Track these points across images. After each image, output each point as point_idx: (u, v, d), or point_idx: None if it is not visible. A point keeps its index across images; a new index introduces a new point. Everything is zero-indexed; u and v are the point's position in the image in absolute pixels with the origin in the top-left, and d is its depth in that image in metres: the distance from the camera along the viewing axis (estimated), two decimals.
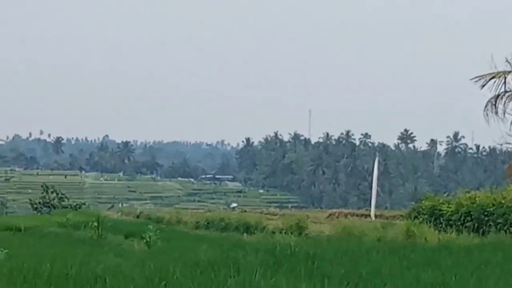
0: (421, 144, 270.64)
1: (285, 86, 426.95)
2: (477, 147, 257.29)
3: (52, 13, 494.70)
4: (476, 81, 30.66)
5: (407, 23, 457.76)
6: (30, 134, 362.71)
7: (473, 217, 39.01)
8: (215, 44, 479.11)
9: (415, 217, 43.30)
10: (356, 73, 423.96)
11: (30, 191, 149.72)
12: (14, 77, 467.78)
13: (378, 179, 73.13)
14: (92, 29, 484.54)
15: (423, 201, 45.97)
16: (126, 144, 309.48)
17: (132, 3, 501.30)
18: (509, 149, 34.54)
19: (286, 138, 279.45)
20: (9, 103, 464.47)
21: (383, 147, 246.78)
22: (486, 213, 38.30)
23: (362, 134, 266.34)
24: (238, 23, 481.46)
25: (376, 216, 60.60)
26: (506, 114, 30.30)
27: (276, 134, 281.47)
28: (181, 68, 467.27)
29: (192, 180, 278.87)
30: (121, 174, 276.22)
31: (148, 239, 34.57)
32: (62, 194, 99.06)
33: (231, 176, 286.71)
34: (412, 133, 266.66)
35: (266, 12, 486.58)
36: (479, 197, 41.21)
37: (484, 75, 30.85)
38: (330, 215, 63.69)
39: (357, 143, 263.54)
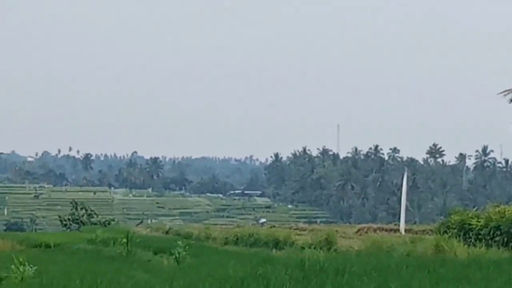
0: (449, 159, 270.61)
1: (313, 102, 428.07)
2: (506, 161, 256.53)
3: (83, 33, 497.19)
4: (505, 95, 30.64)
5: (437, 37, 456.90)
6: (59, 150, 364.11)
7: (502, 231, 38.93)
8: (244, 63, 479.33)
9: (444, 231, 43.19)
10: (384, 87, 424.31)
11: (59, 207, 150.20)
12: (42, 95, 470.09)
13: (407, 193, 73.00)
14: (123, 50, 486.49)
15: (452, 216, 45.88)
16: (155, 160, 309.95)
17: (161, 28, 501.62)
18: None
19: (314, 153, 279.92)
20: (38, 120, 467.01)
21: (411, 161, 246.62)
22: None
23: (390, 149, 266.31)
24: (266, 41, 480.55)
25: (405, 230, 60.51)
26: None
27: (304, 149, 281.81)
28: (209, 86, 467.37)
29: (221, 195, 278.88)
30: (150, 190, 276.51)
31: (177, 255, 34.62)
32: (91, 210, 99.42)
33: (259, 192, 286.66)
34: (441, 147, 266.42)
35: (294, 29, 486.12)
36: (508, 211, 41.14)
37: (511, 89, 30.86)
38: (359, 230, 63.56)
39: (386, 157, 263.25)
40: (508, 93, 30.60)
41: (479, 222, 41.46)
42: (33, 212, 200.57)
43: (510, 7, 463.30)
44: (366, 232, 59.86)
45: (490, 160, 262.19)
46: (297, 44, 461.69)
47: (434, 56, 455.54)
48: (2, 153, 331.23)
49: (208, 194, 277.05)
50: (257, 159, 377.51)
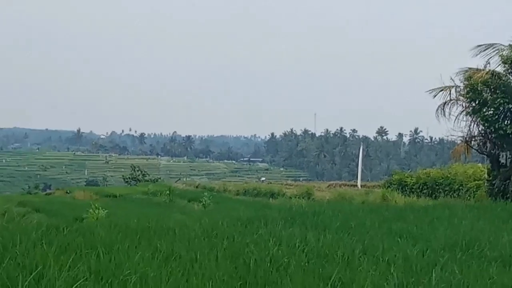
0: (392, 136, 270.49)
1: (298, 96, 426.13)
2: (431, 138, 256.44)
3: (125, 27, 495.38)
4: (430, 93, 30.51)
5: (388, 45, 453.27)
6: (123, 130, 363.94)
7: (428, 186, 38.99)
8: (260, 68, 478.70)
9: (388, 186, 43.30)
10: (348, 85, 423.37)
11: (122, 170, 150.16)
12: (113, 84, 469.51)
13: (362, 160, 72.84)
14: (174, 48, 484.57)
15: (393, 175, 45.97)
16: (188, 137, 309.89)
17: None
18: (452, 140, 34.27)
19: (298, 132, 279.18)
20: (108, 107, 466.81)
21: (365, 138, 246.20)
22: (437, 183, 38.30)
23: (351, 130, 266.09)
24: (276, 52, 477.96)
25: (361, 186, 60.44)
26: (450, 116, 30.13)
27: (291, 130, 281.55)
28: (227, 82, 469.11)
29: (234, 162, 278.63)
30: (185, 158, 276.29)
31: (204, 202, 34.63)
32: (144, 172, 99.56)
33: (261, 159, 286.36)
34: (386, 128, 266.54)
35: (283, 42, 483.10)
36: (432, 172, 41.20)
37: (435, 88, 30.70)
38: (329, 185, 63.51)
39: (348, 135, 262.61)
40: (433, 91, 30.45)
41: (412, 180, 41.58)
42: (105, 173, 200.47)
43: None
44: (334, 187, 59.84)
45: (420, 137, 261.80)
46: (283, 54, 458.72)
47: (383, 64, 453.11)
48: (83, 132, 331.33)
49: (225, 161, 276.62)
50: (259, 137, 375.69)
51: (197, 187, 66.67)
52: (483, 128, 29.28)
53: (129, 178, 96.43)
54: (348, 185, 63.73)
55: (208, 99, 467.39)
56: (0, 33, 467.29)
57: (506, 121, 28.22)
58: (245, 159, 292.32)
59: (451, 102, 30.32)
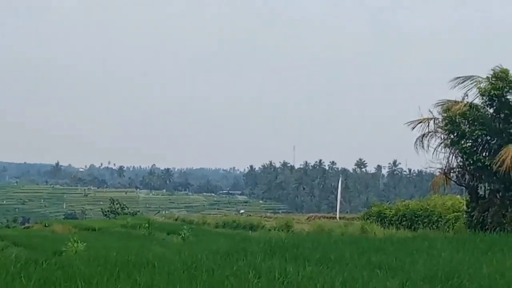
0: (370, 169, 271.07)
1: (277, 129, 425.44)
2: (409, 170, 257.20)
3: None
4: (409, 125, 30.74)
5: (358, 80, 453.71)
6: (102, 163, 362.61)
7: (407, 218, 39.10)
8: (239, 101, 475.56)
9: (367, 218, 43.42)
10: (325, 119, 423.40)
11: (101, 203, 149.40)
12: (92, 117, 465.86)
13: (341, 193, 73.01)
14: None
15: (372, 207, 46.20)
16: (167, 170, 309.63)
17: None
18: (431, 171, 34.50)
19: (277, 165, 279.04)
20: (86, 141, 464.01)
21: (344, 170, 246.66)
22: (416, 215, 38.47)
23: (330, 162, 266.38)
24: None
25: (340, 218, 60.46)
26: (428, 148, 30.38)
27: (270, 162, 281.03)
28: (206, 114, 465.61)
29: (213, 194, 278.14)
30: (164, 190, 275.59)
31: (183, 235, 34.50)
32: (123, 205, 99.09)
33: (240, 192, 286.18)
34: (364, 160, 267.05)
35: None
36: (411, 204, 41.39)
37: (414, 120, 30.96)
38: (308, 217, 63.43)
39: (327, 168, 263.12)
40: (411, 123, 30.70)
41: (391, 212, 41.74)
42: (83, 206, 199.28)
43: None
44: (313, 219, 59.77)
45: (399, 169, 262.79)
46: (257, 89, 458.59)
47: (362, 96, 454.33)
48: (62, 165, 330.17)
49: (204, 194, 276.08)
50: (238, 169, 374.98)
51: (176, 219, 66.36)
52: (461, 160, 29.50)
53: (108, 211, 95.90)
54: (327, 217, 63.69)
55: (187, 131, 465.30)
56: None
57: (484, 153, 28.51)
58: (224, 191, 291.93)
59: (430, 134, 30.57)
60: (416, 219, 38.34)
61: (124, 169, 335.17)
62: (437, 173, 32.17)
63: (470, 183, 30.00)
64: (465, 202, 32.01)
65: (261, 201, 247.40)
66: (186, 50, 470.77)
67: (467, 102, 28.94)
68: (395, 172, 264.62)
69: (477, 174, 29.10)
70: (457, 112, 28.48)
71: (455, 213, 34.76)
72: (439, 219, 35.97)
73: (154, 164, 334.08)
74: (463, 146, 28.66)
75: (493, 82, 28.27)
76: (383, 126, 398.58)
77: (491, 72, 28.74)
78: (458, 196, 38.86)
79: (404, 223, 39.10)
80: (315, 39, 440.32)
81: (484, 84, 28.50)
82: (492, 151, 28.25)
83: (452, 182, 31.54)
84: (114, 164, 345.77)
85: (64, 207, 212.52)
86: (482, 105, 28.96)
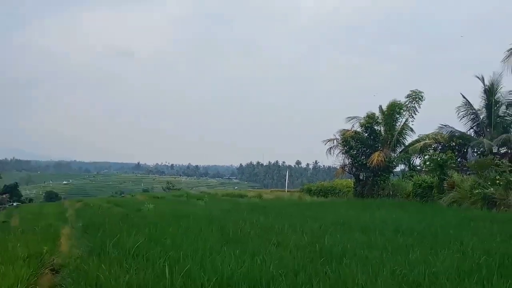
0: (304, 165, 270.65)
1: (255, 140, 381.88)
2: (324, 166, 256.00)
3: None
4: (323, 142, 30.85)
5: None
6: (162, 162, 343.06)
7: (323, 191, 38.96)
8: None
9: (302, 191, 43.21)
10: (275, 128, 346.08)
11: (162, 184, 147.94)
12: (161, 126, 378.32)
13: (288, 178, 72.81)
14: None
15: (304, 186, 45.91)
16: (196, 166, 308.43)
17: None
18: (335, 166, 34.62)
19: (255, 163, 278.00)
20: (156, 147, 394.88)
21: (289, 166, 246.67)
22: (327, 189, 38.30)
23: (282, 161, 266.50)
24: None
25: (288, 191, 60.24)
26: (333, 154, 30.47)
27: (251, 162, 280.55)
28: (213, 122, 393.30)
29: (221, 179, 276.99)
30: (194, 177, 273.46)
31: (205, 200, 34.25)
32: (173, 184, 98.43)
33: (235, 177, 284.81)
34: (300, 161, 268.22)
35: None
36: (325, 184, 41.24)
37: (325, 140, 31.09)
38: (271, 191, 63.11)
39: (280, 164, 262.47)
40: (324, 141, 30.79)
41: (315, 187, 41.48)
42: (153, 185, 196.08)
43: None
44: (274, 192, 59.56)
45: (318, 165, 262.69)
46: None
47: (304, 104, 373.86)
48: (141, 163, 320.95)
49: (216, 178, 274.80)
50: (233, 165, 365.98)
51: (201, 192, 65.91)
52: (350, 161, 29.69)
53: (165, 188, 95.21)
54: (281, 191, 63.41)
55: (209, 137, 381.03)
56: None
57: (362, 157, 28.77)
58: (226, 177, 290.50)
59: (334, 146, 30.59)
60: (328, 191, 38.27)
61: (174, 165, 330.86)
62: (338, 168, 32.20)
63: (356, 172, 30.12)
64: (353, 183, 32.11)
65: (246, 182, 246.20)
66: None
67: (354, 130, 29.20)
68: (316, 167, 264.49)
69: (359, 168, 29.25)
70: (348, 135, 28.80)
71: (348, 188, 34.60)
72: (339, 192, 35.87)
73: (190, 163, 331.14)
74: (352, 153, 28.94)
75: (367, 119, 28.68)
76: (313, 142, 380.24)
77: (366, 114, 29.10)
78: (349, 180, 38.85)
79: (321, 194, 39.02)
80: None
81: (363, 121, 28.82)
82: (367, 155, 28.50)
83: (346, 172, 31.58)
84: (168, 162, 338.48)
85: (142, 185, 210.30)
86: (361, 131, 29.17)
